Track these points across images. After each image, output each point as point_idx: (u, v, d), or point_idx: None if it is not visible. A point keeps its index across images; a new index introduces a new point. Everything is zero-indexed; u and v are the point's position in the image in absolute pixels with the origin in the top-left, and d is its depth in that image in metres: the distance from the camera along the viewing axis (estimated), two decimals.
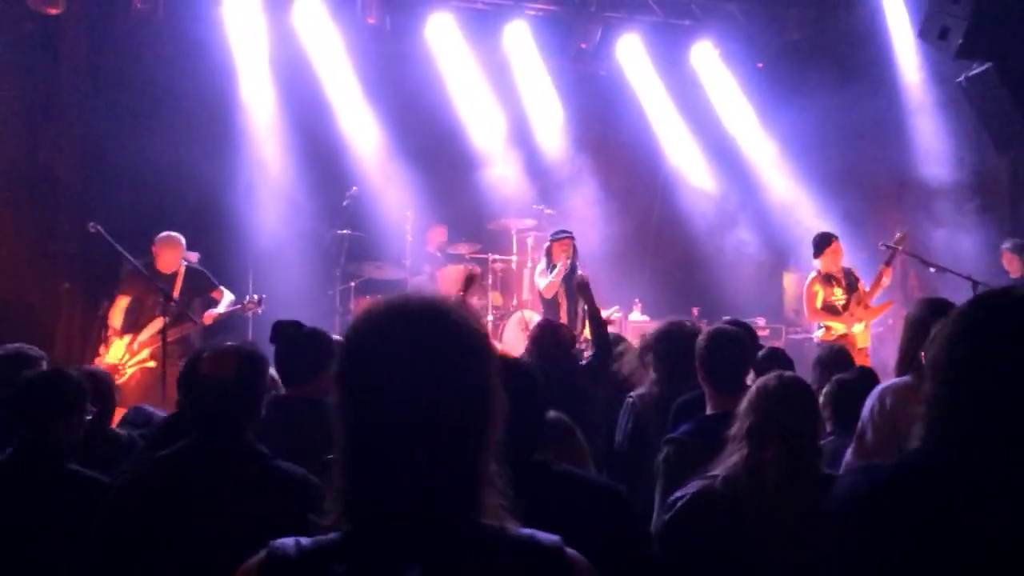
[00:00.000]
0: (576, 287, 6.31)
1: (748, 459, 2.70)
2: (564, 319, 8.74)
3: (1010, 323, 1.66)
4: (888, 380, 3.84)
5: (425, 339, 1.43)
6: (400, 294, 1.53)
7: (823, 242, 8.30)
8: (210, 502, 2.52)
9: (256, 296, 8.02)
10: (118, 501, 2.64)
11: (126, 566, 2.53)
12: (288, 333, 3.77)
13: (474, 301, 9.58)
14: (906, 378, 3.73)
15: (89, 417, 3.36)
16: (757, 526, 2.64)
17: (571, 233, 9.08)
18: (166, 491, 2.59)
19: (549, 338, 4.99)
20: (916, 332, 3.74)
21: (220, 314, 7.74)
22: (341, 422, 1.44)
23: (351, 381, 1.45)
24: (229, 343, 2.87)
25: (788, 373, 2.93)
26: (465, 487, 1.42)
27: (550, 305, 9.01)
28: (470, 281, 6.03)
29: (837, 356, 5.16)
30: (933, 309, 3.74)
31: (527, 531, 1.46)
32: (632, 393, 4.60)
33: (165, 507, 2.56)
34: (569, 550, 1.48)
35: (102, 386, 4.05)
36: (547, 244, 9.13)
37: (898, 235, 8.23)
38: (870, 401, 3.72)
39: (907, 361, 3.80)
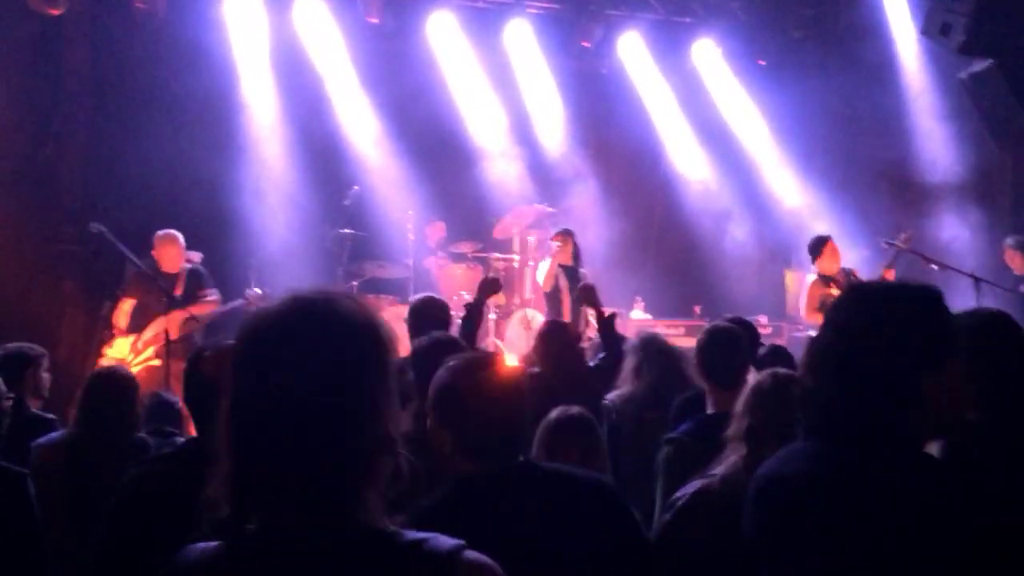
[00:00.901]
0: (580, 295, 6.24)
1: (748, 459, 2.70)
2: (567, 317, 8.73)
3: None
4: None
5: (307, 333, 1.40)
6: (296, 289, 1.49)
7: (818, 245, 8.31)
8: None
9: (259, 290, 8.01)
10: (120, 502, 2.64)
11: (126, 567, 2.54)
12: None
13: (491, 303, 9.61)
14: None
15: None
16: None
17: (567, 231, 9.10)
18: (166, 492, 2.57)
19: (556, 336, 4.99)
20: None
21: (196, 315, 7.61)
22: (225, 418, 1.41)
23: (236, 375, 1.42)
24: (231, 341, 2.85)
25: (783, 371, 2.92)
26: (347, 488, 1.37)
27: (553, 303, 9.01)
28: (490, 287, 5.55)
29: None
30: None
31: (421, 535, 1.40)
32: (609, 396, 4.64)
33: (165, 508, 2.55)
34: (469, 554, 1.41)
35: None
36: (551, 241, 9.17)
37: (903, 235, 8.21)
38: None
39: None
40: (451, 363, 2.38)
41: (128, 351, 7.55)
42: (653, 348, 4.70)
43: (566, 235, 9.06)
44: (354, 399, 1.39)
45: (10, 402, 3.38)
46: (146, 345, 7.56)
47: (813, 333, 7.51)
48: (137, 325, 7.62)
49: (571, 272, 9.00)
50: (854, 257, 8.75)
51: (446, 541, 1.40)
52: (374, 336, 1.44)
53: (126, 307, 7.65)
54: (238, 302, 7.94)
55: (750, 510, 1.93)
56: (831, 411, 1.84)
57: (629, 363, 4.69)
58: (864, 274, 8.42)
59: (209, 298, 7.85)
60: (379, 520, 1.39)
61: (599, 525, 2.30)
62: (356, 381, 1.39)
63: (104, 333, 7.72)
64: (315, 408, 1.36)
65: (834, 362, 1.84)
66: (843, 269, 8.31)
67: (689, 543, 2.68)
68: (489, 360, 2.43)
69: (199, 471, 2.58)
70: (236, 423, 1.40)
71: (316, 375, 1.37)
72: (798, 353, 5.75)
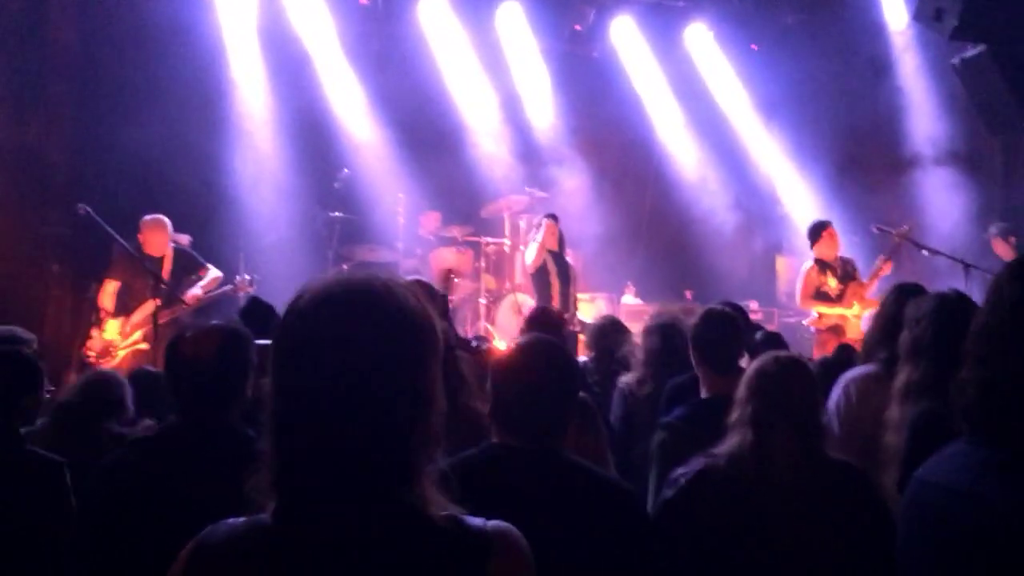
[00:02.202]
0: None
1: (755, 444, 2.68)
2: (556, 301, 8.72)
3: None
4: (853, 370, 3.74)
5: (359, 315, 1.41)
6: (343, 272, 1.52)
7: (817, 230, 8.25)
8: (191, 485, 2.46)
9: (248, 277, 7.99)
10: (99, 484, 2.61)
11: (107, 550, 2.51)
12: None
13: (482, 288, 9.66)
14: (869, 367, 3.64)
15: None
16: (764, 506, 2.62)
17: (554, 216, 9.14)
18: (147, 474, 2.55)
19: (541, 320, 5.00)
20: (886, 319, 3.66)
21: (201, 296, 7.67)
22: (272, 397, 1.42)
23: (283, 353, 1.43)
24: (213, 322, 2.81)
25: (784, 354, 2.91)
26: (392, 467, 1.39)
27: (542, 287, 8.99)
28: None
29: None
30: (903, 295, 3.64)
31: (453, 514, 1.43)
32: (622, 379, 4.62)
33: (145, 490, 2.52)
34: (500, 529, 1.45)
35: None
36: (541, 222, 9.14)
37: (904, 228, 8.17)
38: (835, 392, 3.64)
39: (873, 348, 3.71)
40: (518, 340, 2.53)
41: (117, 333, 7.50)
42: (672, 331, 4.62)
43: (555, 220, 9.07)
44: (408, 384, 1.41)
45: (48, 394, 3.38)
46: (134, 328, 7.52)
47: (805, 321, 7.50)
48: (124, 307, 7.56)
49: (557, 257, 9.01)
50: (845, 243, 8.74)
51: (477, 519, 1.45)
52: (428, 324, 1.46)
53: (111, 288, 7.58)
54: (227, 287, 7.90)
55: (905, 516, 1.76)
56: (1002, 407, 1.56)
57: (644, 346, 4.65)
58: (860, 261, 8.39)
59: (211, 275, 7.82)
60: (427, 503, 1.42)
61: (607, 527, 2.31)
62: (412, 366, 1.42)
63: (92, 316, 7.67)
64: (370, 390, 1.38)
65: (1010, 346, 1.56)
66: (841, 258, 8.26)
67: (690, 522, 2.67)
68: (537, 342, 2.49)
69: (180, 454, 2.56)
70: (288, 401, 1.41)
71: (374, 358, 1.39)
72: (790, 339, 5.76)
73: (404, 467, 1.41)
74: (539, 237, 8.99)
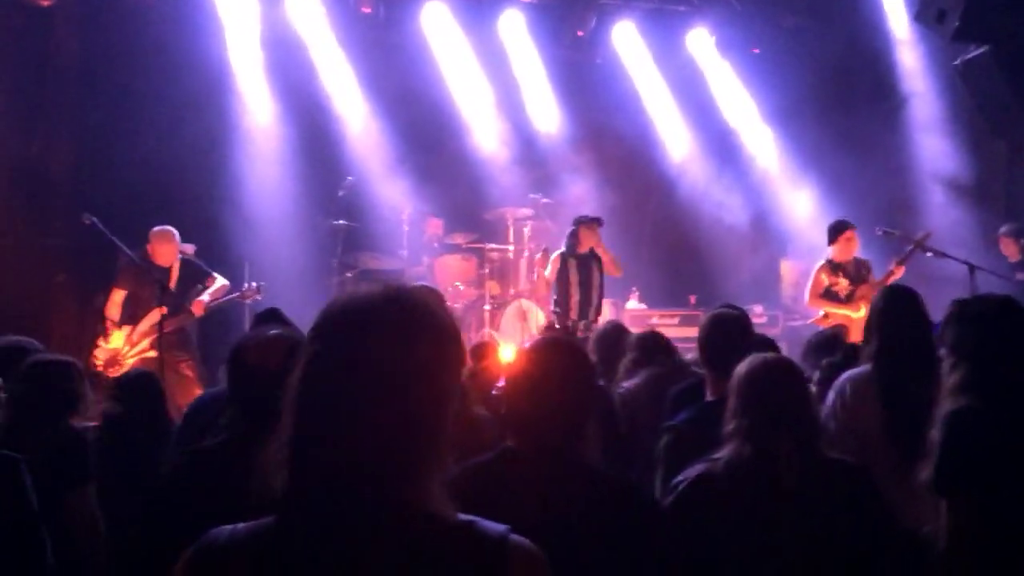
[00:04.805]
0: None
1: (754, 449, 2.67)
2: (574, 309, 8.50)
3: None
4: (850, 371, 3.79)
5: (389, 319, 1.44)
6: (387, 280, 1.58)
7: (838, 229, 8.21)
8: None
9: (255, 284, 8.00)
10: (161, 495, 2.55)
11: (166, 561, 2.45)
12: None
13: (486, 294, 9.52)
14: (865, 367, 3.69)
15: None
16: (765, 509, 2.62)
17: (583, 221, 8.67)
18: (210, 485, 2.46)
19: (650, 345, 4.96)
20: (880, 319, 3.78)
21: (208, 302, 7.69)
22: (294, 392, 1.44)
23: (312, 351, 1.45)
24: (274, 331, 2.76)
25: (772, 356, 2.91)
26: (407, 469, 1.41)
27: (562, 292, 8.60)
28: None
29: (827, 340, 5.12)
30: (892, 298, 3.82)
31: (468, 518, 1.44)
32: (624, 384, 4.63)
33: (209, 501, 2.46)
34: (515, 539, 1.45)
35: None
36: (573, 228, 8.66)
37: (921, 234, 8.16)
38: (832, 393, 3.70)
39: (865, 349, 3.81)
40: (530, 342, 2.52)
41: (123, 343, 7.52)
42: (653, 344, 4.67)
43: (588, 224, 8.59)
44: (431, 389, 1.43)
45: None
46: (141, 337, 7.53)
47: (810, 320, 7.50)
48: (131, 316, 7.57)
49: (584, 264, 8.57)
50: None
51: (492, 525, 1.45)
52: (455, 334, 1.50)
53: (118, 298, 7.60)
54: (234, 294, 7.92)
55: None
56: None
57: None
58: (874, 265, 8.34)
59: (217, 283, 7.83)
60: (434, 505, 1.43)
61: (625, 532, 2.29)
62: (436, 371, 1.44)
63: (98, 326, 7.69)
64: (395, 393, 1.40)
65: None
66: (856, 259, 8.24)
67: (690, 527, 2.66)
68: (549, 344, 2.49)
69: (246, 464, 2.47)
70: (308, 397, 1.43)
71: (402, 361, 1.41)
72: (796, 341, 5.74)
73: (423, 472, 1.42)
74: (567, 243, 8.60)
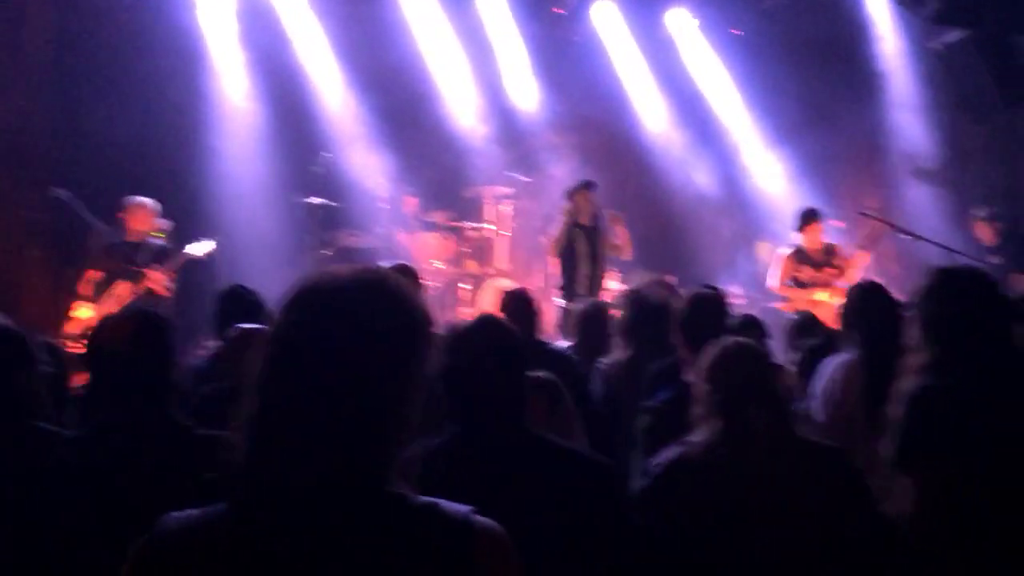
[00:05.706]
0: None
1: (728, 431, 2.67)
2: (584, 281, 8.24)
3: None
4: (836, 356, 3.85)
5: (352, 302, 1.42)
6: (341, 263, 1.54)
7: (807, 218, 8.28)
8: (135, 482, 2.36)
9: (202, 240, 7.81)
10: (35, 488, 2.50)
11: (53, 555, 2.41)
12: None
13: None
14: (850, 354, 3.76)
15: None
16: (741, 491, 2.62)
17: (585, 184, 8.42)
18: (88, 473, 2.45)
19: (513, 305, 4.84)
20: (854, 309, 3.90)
21: (166, 274, 7.51)
22: (257, 378, 1.41)
23: (275, 336, 1.43)
24: (130, 309, 2.70)
25: (732, 340, 2.90)
26: (370, 453, 1.39)
27: (568, 264, 8.34)
28: None
29: (807, 323, 5.14)
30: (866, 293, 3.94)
31: (429, 499, 1.43)
32: (602, 360, 4.60)
33: (90, 490, 2.43)
34: (479, 519, 1.44)
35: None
36: (570, 197, 8.44)
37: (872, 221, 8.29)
38: (821, 379, 3.73)
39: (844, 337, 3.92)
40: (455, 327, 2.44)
41: (93, 314, 7.47)
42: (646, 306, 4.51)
43: (586, 188, 8.33)
44: (397, 372, 1.42)
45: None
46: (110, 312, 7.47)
47: (776, 304, 7.60)
48: (103, 293, 7.52)
49: (590, 234, 8.30)
50: (829, 227, 8.76)
51: (455, 505, 1.44)
52: (423, 313, 1.49)
53: (91, 277, 7.57)
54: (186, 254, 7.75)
55: None
56: None
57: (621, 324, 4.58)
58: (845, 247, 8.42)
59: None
60: (393, 485, 1.42)
61: (581, 498, 2.27)
62: (405, 356, 1.44)
63: (71, 302, 7.62)
64: (368, 379, 1.39)
65: None
66: (825, 244, 8.30)
67: (666, 510, 2.66)
68: (473, 325, 2.43)
69: (113, 450, 2.41)
70: (273, 381, 1.40)
71: (369, 343, 1.40)
72: (771, 323, 5.77)
73: (386, 454, 1.41)
74: (565, 215, 8.31)
